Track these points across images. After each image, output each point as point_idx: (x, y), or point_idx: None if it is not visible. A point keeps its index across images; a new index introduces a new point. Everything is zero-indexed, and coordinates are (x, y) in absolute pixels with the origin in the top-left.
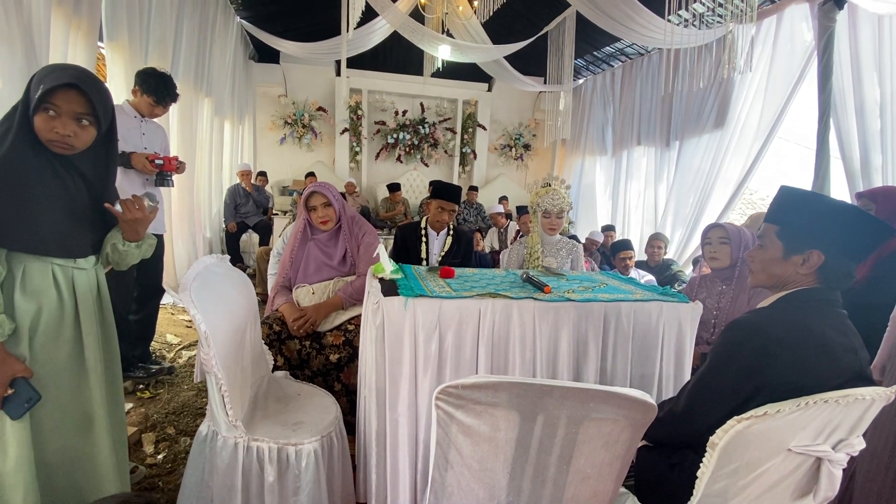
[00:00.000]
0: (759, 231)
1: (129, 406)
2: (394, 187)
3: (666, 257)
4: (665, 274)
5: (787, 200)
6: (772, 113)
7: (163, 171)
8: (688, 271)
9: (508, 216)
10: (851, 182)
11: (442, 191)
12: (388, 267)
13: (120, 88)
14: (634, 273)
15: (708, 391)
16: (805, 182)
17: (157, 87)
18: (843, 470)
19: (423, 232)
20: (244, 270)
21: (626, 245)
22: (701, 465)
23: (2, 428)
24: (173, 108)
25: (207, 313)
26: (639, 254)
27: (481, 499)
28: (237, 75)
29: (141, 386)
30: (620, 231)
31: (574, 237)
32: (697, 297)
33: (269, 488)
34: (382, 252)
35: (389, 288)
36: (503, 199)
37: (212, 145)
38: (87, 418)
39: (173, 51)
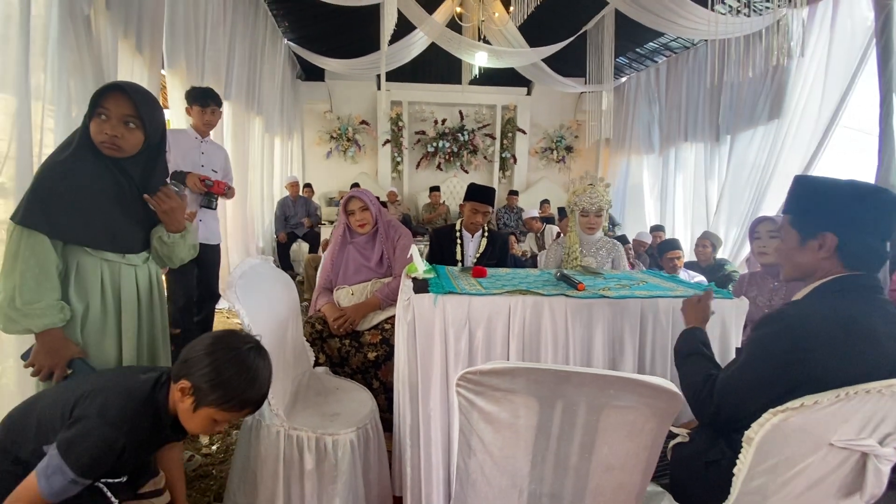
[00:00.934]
0: (780, 223)
1: None
2: (434, 189)
3: (719, 257)
4: (718, 275)
5: (798, 189)
6: (833, 100)
7: (210, 192)
8: (743, 272)
9: (548, 220)
10: None
11: (475, 192)
12: (420, 267)
13: (180, 111)
14: (684, 274)
15: (743, 385)
16: (869, 172)
17: (197, 95)
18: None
19: (457, 234)
20: (294, 278)
21: (673, 245)
22: (737, 461)
23: None
24: (226, 127)
25: (250, 308)
26: (689, 255)
27: (504, 486)
28: (285, 94)
29: None
30: (670, 232)
31: (622, 238)
32: (748, 295)
33: (308, 475)
34: (415, 252)
35: (421, 286)
36: (545, 203)
37: (263, 161)
38: None
39: (226, 73)
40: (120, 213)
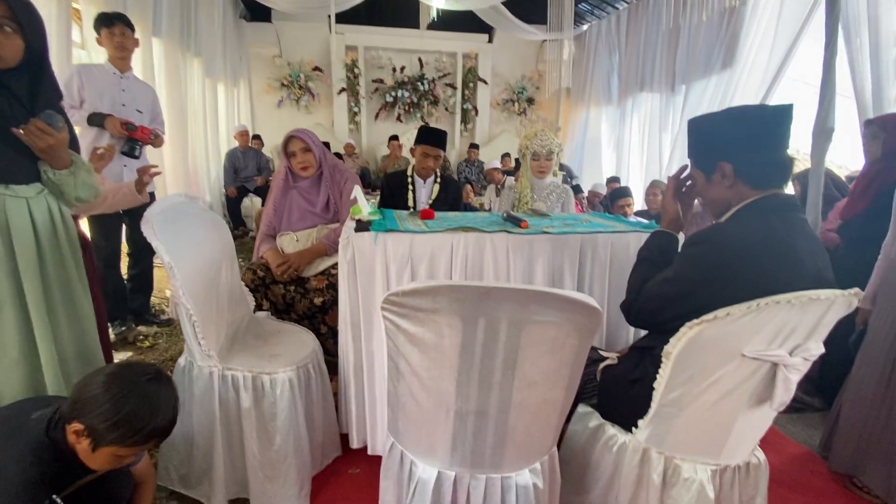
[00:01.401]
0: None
1: (128, 354)
2: (393, 137)
3: None
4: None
5: (691, 131)
6: (782, 49)
7: (133, 138)
8: None
9: (509, 173)
10: (863, 116)
11: (425, 135)
12: (365, 209)
13: (99, 50)
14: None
15: (662, 296)
16: (809, 124)
17: (102, 17)
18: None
19: (409, 180)
20: (247, 234)
21: (623, 192)
22: (658, 376)
23: None
24: (158, 67)
25: (172, 246)
26: (641, 204)
27: (432, 407)
28: (227, 35)
29: (141, 336)
30: (625, 182)
31: (576, 188)
32: (686, 233)
33: (245, 414)
34: (359, 193)
35: (363, 227)
36: (506, 157)
37: (205, 108)
38: (27, 356)
39: (154, 9)
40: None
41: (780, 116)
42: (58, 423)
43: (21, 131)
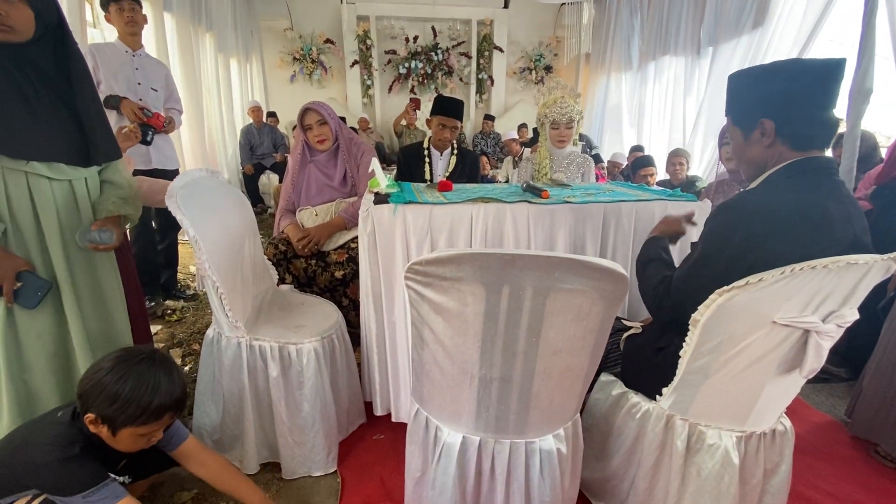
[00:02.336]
0: (723, 128)
1: (157, 328)
2: (414, 97)
3: (691, 174)
4: (689, 192)
5: (731, 86)
6: (818, 6)
7: (147, 124)
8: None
9: (526, 144)
10: None
11: (441, 105)
12: (382, 181)
13: (110, 30)
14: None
15: (698, 281)
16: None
17: None
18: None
19: (426, 152)
20: (265, 211)
21: (646, 161)
22: (684, 344)
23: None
24: (171, 43)
25: (196, 220)
26: (663, 174)
27: (456, 374)
28: (238, 8)
29: (169, 311)
30: (648, 152)
31: (596, 157)
32: (714, 202)
33: (273, 382)
34: (376, 165)
35: (382, 199)
36: (522, 127)
37: (219, 85)
38: (60, 347)
39: None
40: (23, 111)
41: (831, 71)
42: (78, 416)
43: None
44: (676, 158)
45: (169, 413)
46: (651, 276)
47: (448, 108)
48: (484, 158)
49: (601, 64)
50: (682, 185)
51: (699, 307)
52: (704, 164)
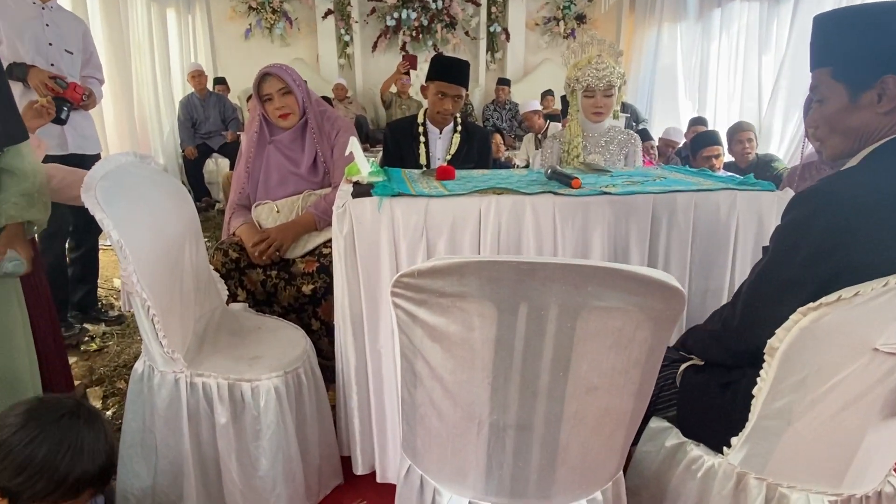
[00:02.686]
0: (811, 85)
1: (72, 360)
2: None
3: (764, 152)
4: (766, 178)
5: (829, 29)
6: None
7: (61, 97)
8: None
9: (552, 117)
10: None
11: (440, 68)
12: (364, 167)
13: None
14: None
15: (771, 288)
16: None
17: None
18: None
19: (420, 129)
20: (212, 206)
21: (709, 139)
22: (758, 379)
23: None
24: None
25: (122, 219)
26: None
27: (459, 419)
28: None
29: (86, 338)
30: (712, 125)
31: (643, 132)
32: (798, 190)
33: (221, 432)
34: (356, 147)
35: (363, 191)
36: (547, 95)
37: (153, 45)
38: None
39: None
40: None
41: None
42: None
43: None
44: (743, 134)
45: (89, 489)
46: (700, 329)
47: (449, 72)
48: (497, 136)
49: (650, 12)
50: (753, 169)
51: (777, 331)
52: (787, 143)
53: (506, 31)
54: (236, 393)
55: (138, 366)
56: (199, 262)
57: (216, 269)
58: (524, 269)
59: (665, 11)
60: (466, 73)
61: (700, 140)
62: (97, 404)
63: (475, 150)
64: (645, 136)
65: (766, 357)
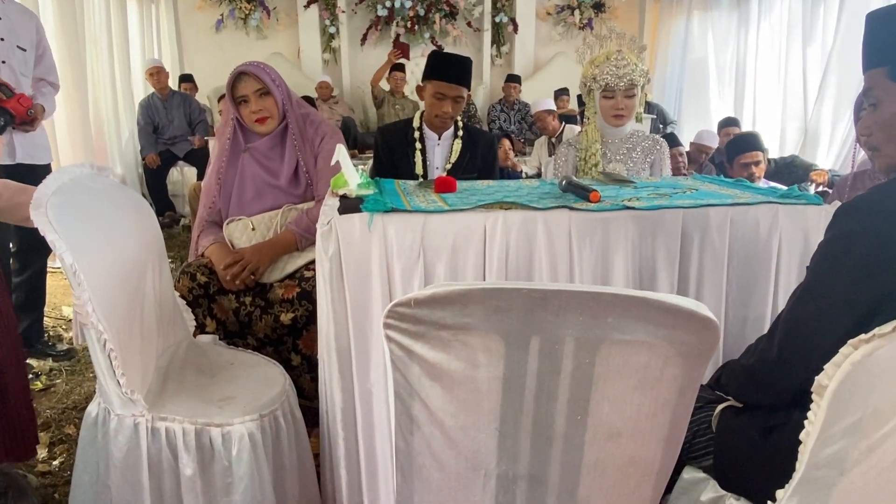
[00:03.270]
0: (864, 87)
1: None
2: (397, 67)
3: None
4: (790, 180)
5: (885, 26)
6: None
7: (2, 107)
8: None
9: (568, 118)
10: None
11: (439, 65)
12: (352, 178)
13: None
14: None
15: (811, 314)
16: None
17: None
18: None
19: (417, 134)
20: (177, 222)
21: (747, 143)
22: (806, 422)
23: None
24: None
25: (75, 240)
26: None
27: (462, 470)
28: None
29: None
30: (748, 126)
31: (670, 137)
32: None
33: (187, 485)
34: (343, 155)
35: (351, 205)
36: (562, 95)
37: (111, 38)
38: None
39: None
40: None
41: None
42: None
43: None
44: (749, 156)
45: None
46: (735, 364)
47: (448, 70)
48: (506, 142)
49: (677, 0)
50: (772, 178)
51: (825, 366)
52: (836, 148)
53: (513, 21)
54: (204, 439)
55: (91, 408)
56: (162, 287)
57: (182, 296)
58: (536, 298)
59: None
60: (468, 72)
61: (736, 145)
62: (43, 453)
63: (479, 158)
64: (673, 140)
65: (813, 396)
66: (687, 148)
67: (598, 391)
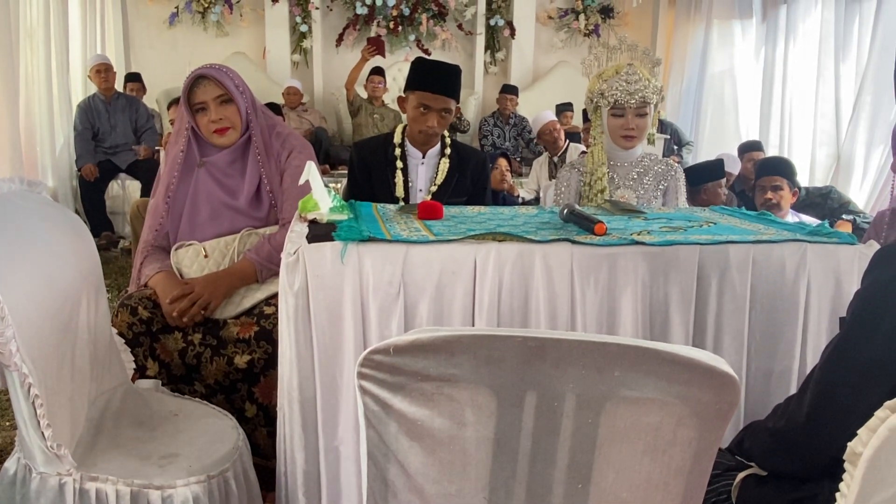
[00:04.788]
0: None
1: None
2: (376, 71)
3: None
4: (822, 214)
5: None
6: None
7: None
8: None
9: (571, 136)
10: None
11: (424, 73)
12: (323, 201)
13: None
14: (792, 219)
15: (847, 372)
16: None
17: None
18: None
19: (397, 152)
20: (115, 245)
21: (772, 167)
22: (837, 495)
23: None
24: None
25: (1, 268)
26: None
27: None
28: None
29: None
30: (773, 150)
31: (718, 165)
32: (886, 242)
33: None
34: (314, 173)
35: (321, 232)
36: (565, 110)
37: (49, 31)
38: None
39: None
40: None
41: None
42: None
43: None
44: (768, 180)
45: None
46: (760, 426)
47: (434, 79)
48: (502, 162)
49: (696, 6)
50: (801, 209)
51: (860, 431)
52: (872, 177)
53: (510, 24)
54: (142, 503)
55: (10, 464)
56: (98, 323)
57: (120, 333)
58: (532, 347)
59: (716, 6)
60: (457, 82)
61: (763, 171)
62: None
63: (468, 180)
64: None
65: (846, 465)
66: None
67: (601, 456)
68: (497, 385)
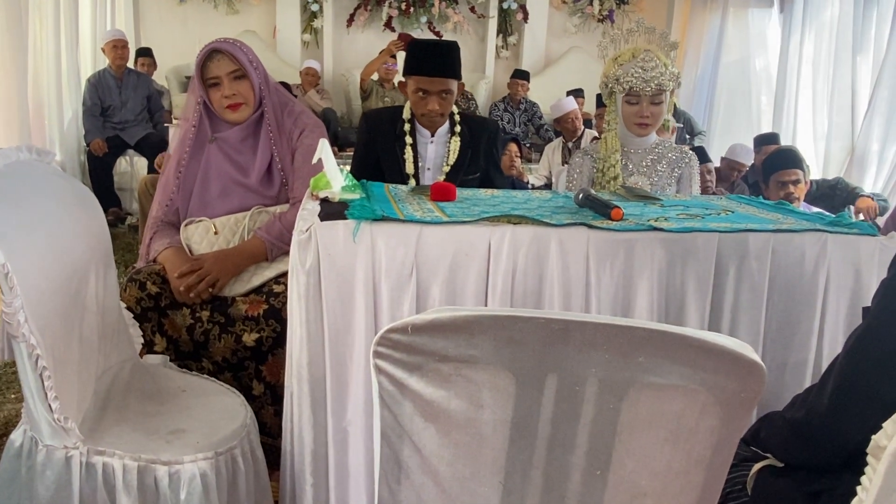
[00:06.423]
0: None
1: None
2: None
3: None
4: (833, 206)
5: None
6: None
7: None
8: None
9: (587, 124)
10: None
11: (417, 59)
12: (335, 180)
13: None
14: (805, 210)
15: (871, 363)
16: None
17: None
18: None
19: (406, 128)
20: (122, 221)
21: (787, 159)
22: (858, 489)
23: None
24: None
25: (10, 237)
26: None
27: None
28: None
29: None
30: (788, 140)
31: (700, 151)
32: None
33: None
34: (327, 152)
35: (334, 211)
36: (578, 95)
37: (59, 3)
38: None
39: None
40: None
41: None
42: None
43: None
44: (786, 174)
45: None
46: (777, 417)
47: (429, 61)
48: (513, 146)
49: None
50: (812, 202)
51: (885, 424)
52: (886, 171)
53: (524, 8)
54: (148, 479)
55: (15, 436)
56: (107, 297)
57: (128, 308)
58: (556, 330)
59: None
60: (455, 60)
61: (774, 161)
62: None
63: (481, 155)
64: (702, 155)
65: (868, 458)
66: (717, 164)
67: (622, 443)
68: (517, 367)
